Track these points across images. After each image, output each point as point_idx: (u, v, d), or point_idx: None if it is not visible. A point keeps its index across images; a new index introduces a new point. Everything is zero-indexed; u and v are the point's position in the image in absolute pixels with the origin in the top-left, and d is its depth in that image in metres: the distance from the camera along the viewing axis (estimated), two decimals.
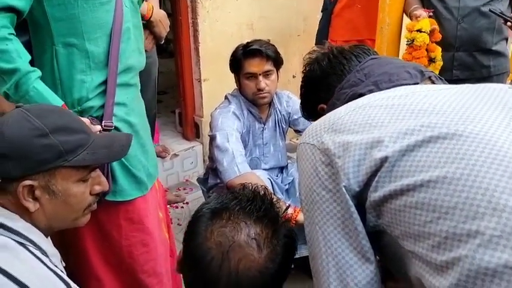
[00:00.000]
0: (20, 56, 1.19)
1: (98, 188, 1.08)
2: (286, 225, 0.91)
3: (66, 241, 1.45)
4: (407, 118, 0.78)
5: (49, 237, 1.04)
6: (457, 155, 0.70)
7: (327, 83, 1.08)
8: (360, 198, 0.79)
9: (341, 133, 0.82)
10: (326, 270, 0.81)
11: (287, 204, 1.94)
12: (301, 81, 1.20)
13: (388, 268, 1.09)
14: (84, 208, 1.06)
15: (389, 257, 0.84)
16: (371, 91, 0.94)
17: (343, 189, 0.78)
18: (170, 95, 4.18)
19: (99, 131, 1.25)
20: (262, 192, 0.93)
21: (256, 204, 0.89)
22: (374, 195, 0.77)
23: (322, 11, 3.05)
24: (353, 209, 0.79)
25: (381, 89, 0.94)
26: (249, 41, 2.19)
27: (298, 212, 1.86)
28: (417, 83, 0.95)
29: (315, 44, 3.12)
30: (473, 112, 0.76)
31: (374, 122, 0.80)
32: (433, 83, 0.99)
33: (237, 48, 2.17)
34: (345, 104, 0.92)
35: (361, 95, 0.95)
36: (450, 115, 0.76)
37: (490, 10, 2.19)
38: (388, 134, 0.76)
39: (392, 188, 0.74)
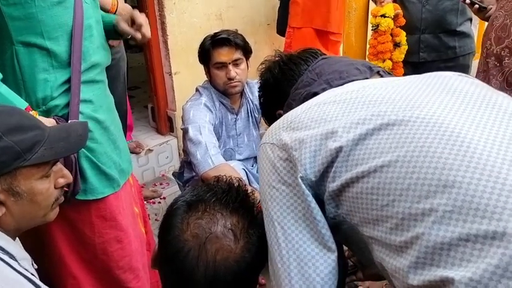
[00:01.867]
0: None
1: (62, 181, 1.07)
2: (261, 216, 0.91)
3: (40, 242, 1.44)
4: (359, 110, 0.81)
5: (18, 240, 1.03)
6: (406, 139, 0.73)
7: (281, 89, 1.13)
8: (317, 189, 0.81)
9: (298, 130, 0.84)
10: (286, 266, 0.82)
11: None
12: (258, 91, 1.26)
13: (359, 259, 1.12)
14: (52, 203, 1.05)
15: (354, 247, 0.87)
16: (324, 89, 0.98)
17: (299, 179, 0.80)
18: (142, 89, 4.14)
19: None
20: (236, 184, 0.93)
21: (232, 196, 0.89)
22: (332, 185, 0.79)
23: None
24: (310, 198, 0.80)
25: (332, 87, 0.98)
26: (216, 31, 2.17)
27: None
28: (367, 78, 0.99)
29: (277, 33, 3.11)
30: (419, 98, 0.79)
31: (328, 117, 0.83)
32: (381, 77, 1.02)
33: (205, 39, 2.15)
34: (300, 103, 0.95)
35: (315, 93, 0.99)
36: (398, 103, 0.79)
37: None
38: (342, 125, 0.79)
39: (349, 176, 0.76)
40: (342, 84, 0.97)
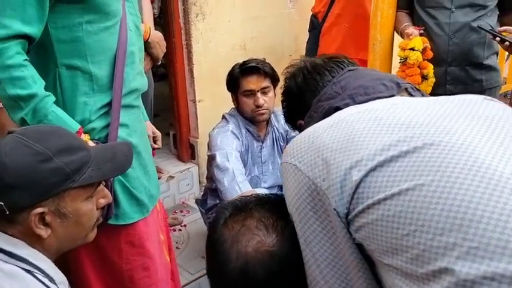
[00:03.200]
0: (35, 82, 1.19)
1: (103, 201, 1.07)
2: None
3: (67, 268, 1.42)
4: (383, 133, 0.78)
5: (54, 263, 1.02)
6: (433, 167, 0.70)
7: (303, 100, 1.09)
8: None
9: (321, 152, 0.81)
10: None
11: None
12: (281, 96, 1.20)
13: None
14: (93, 224, 1.05)
15: None
16: (347, 104, 0.94)
17: (333, 211, 0.77)
18: (162, 117, 4.16)
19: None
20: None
21: (271, 199, 0.95)
22: (353, 212, 0.76)
23: (309, 31, 3.08)
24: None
25: (356, 102, 0.93)
26: (244, 60, 2.20)
27: None
28: (393, 95, 0.95)
29: None
30: (449, 124, 0.76)
31: (351, 137, 0.80)
32: (410, 94, 0.98)
33: (234, 67, 2.18)
34: (321, 117, 0.93)
35: (337, 108, 0.94)
36: (427, 127, 0.76)
37: (478, 27, 2.23)
38: (366, 153, 0.76)
39: (370, 202, 0.74)
40: (366, 101, 0.92)
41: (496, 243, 0.62)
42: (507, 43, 2.05)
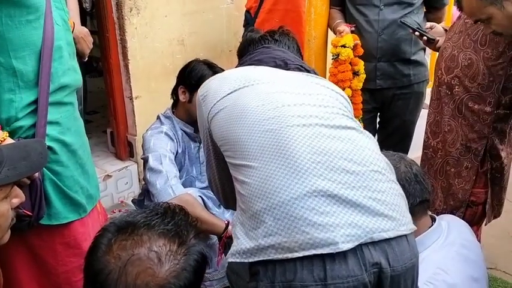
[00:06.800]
0: None
1: (16, 201, 1.03)
2: (197, 242, 0.88)
3: None
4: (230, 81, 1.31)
5: None
6: (238, 98, 1.26)
7: (241, 56, 1.64)
8: None
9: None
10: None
11: (226, 222, 1.94)
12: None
13: None
14: (9, 225, 1.01)
15: None
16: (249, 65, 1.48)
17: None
18: (101, 114, 4.05)
19: None
20: (177, 210, 0.91)
21: (165, 219, 0.86)
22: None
23: (243, 26, 3.09)
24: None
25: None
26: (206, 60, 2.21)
27: None
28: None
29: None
30: (270, 78, 1.32)
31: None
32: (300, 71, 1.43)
33: (197, 64, 2.13)
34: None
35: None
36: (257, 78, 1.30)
37: (400, 21, 2.33)
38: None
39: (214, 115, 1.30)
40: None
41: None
42: (425, 38, 2.18)
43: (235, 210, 1.68)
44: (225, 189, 1.43)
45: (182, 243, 0.85)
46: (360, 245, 1.01)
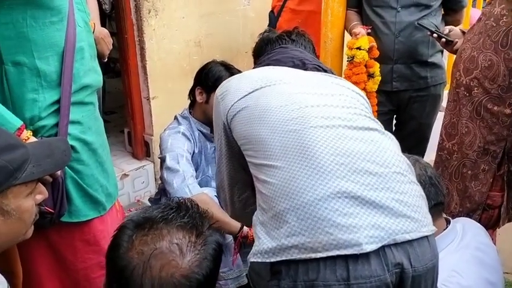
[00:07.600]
0: None
1: (40, 197, 1.06)
2: (213, 232, 0.92)
3: (11, 267, 1.39)
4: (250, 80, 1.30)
5: None
6: (260, 97, 1.24)
7: (258, 56, 1.65)
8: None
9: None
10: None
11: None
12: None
13: None
14: (33, 220, 1.04)
15: None
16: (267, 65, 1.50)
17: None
18: (118, 114, 4.10)
19: None
20: (188, 204, 0.93)
21: (180, 213, 0.89)
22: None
23: (268, 26, 3.12)
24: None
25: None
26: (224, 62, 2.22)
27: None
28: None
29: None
30: (288, 78, 1.31)
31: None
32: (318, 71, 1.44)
33: (214, 66, 2.16)
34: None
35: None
36: (274, 79, 1.29)
37: (418, 23, 2.32)
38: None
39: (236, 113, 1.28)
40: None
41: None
42: (443, 40, 2.16)
43: (240, 221, 1.73)
44: (233, 195, 1.41)
45: (199, 234, 0.88)
46: (383, 246, 1.01)
